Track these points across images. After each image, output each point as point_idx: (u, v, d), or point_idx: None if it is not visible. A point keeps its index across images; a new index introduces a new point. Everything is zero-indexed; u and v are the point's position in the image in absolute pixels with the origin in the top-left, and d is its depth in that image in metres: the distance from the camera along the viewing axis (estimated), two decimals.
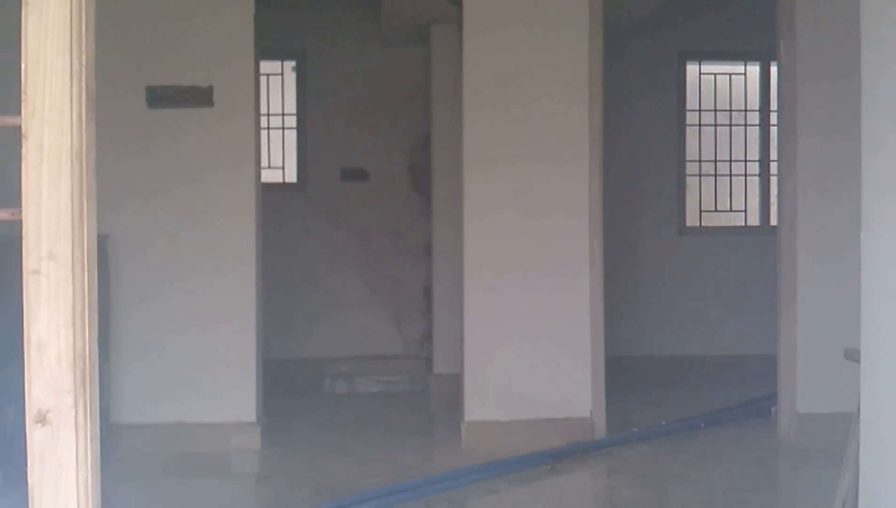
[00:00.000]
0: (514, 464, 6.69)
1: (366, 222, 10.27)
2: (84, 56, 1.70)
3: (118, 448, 6.87)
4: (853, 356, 4.92)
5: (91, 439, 1.70)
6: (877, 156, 3.43)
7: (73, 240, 1.68)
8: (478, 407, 7.29)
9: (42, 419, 1.67)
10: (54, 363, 1.67)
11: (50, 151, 1.68)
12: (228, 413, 7.18)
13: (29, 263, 1.67)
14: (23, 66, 1.68)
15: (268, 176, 9.37)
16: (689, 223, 10.50)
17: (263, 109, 9.02)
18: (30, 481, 1.68)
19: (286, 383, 9.07)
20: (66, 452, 1.67)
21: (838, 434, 7.03)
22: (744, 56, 10.50)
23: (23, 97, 1.69)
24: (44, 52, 1.68)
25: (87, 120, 1.71)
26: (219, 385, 7.16)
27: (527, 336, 7.29)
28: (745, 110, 10.62)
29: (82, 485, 1.68)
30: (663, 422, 7.77)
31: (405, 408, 8.90)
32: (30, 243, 1.67)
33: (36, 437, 1.67)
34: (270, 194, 8.70)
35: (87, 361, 1.69)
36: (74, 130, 1.69)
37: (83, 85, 1.70)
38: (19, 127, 1.70)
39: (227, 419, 7.17)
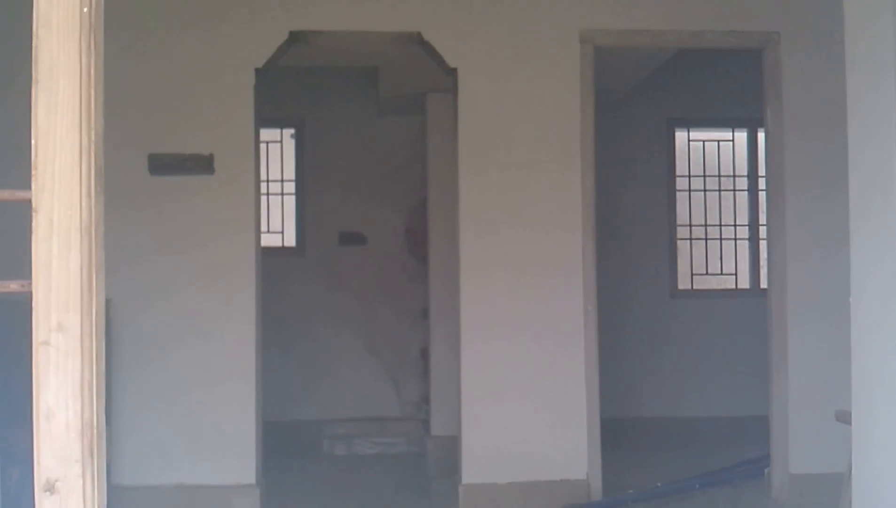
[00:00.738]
0: None
1: (364, 285, 10.28)
2: (93, 132, 1.72)
3: None
4: (844, 417, 4.92)
5: (98, 507, 1.70)
6: (863, 221, 3.45)
7: (81, 311, 1.68)
8: (475, 470, 7.26)
9: (51, 488, 1.66)
10: (62, 433, 1.67)
11: (59, 225, 1.69)
12: (228, 475, 7.13)
13: (38, 334, 1.68)
14: (33, 141, 1.69)
15: (268, 240, 9.39)
16: (680, 286, 10.52)
17: (263, 176, 9.05)
18: None
19: (285, 444, 9.04)
20: None
21: (830, 494, 7.03)
22: (731, 123, 10.58)
23: (33, 172, 1.71)
24: (54, 129, 1.70)
25: (95, 194, 1.72)
26: (219, 448, 7.12)
27: (523, 399, 7.28)
28: (734, 176, 10.68)
29: None
30: (658, 484, 7.74)
31: (403, 470, 8.87)
32: (39, 314, 1.68)
33: (45, 506, 1.67)
34: (270, 257, 8.71)
35: (95, 430, 1.69)
36: (83, 204, 1.70)
37: (92, 161, 1.71)
38: (30, 201, 1.71)
39: (227, 481, 7.12)
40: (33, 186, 1.71)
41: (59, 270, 1.69)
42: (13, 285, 1.75)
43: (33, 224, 1.70)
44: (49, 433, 1.67)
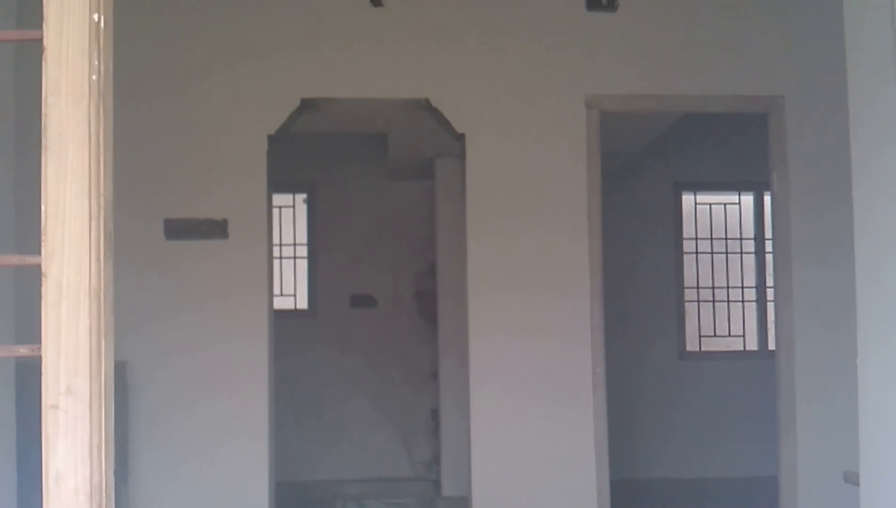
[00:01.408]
0: None
1: (374, 347, 10.28)
2: (102, 198, 1.71)
3: None
4: (853, 479, 4.86)
5: None
6: (871, 286, 3.43)
7: (90, 376, 1.67)
8: None
9: None
10: (71, 497, 1.65)
11: (69, 290, 1.68)
12: None
13: (48, 398, 1.66)
14: (43, 207, 1.69)
15: (280, 303, 9.40)
16: (688, 348, 10.49)
17: (276, 240, 9.08)
18: None
19: (299, 504, 8.98)
20: None
21: None
22: (737, 186, 10.60)
23: (42, 238, 1.70)
24: (63, 195, 1.70)
25: (104, 259, 1.71)
26: (232, 506, 7.08)
27: (533, 460, 7.22)
28: (741, 238, 10.67)
29: None
30: None
31: None
32: (48, 378, 1.67)
33: None
34: (282, 320, 8.73)
35: (104, 494, 1.67)
36: (93, 269, 1.69)
37: (101, 226, 1.71)
38: (39, 266, 1.70)
39: None
40: (43, 252, 1.70)
41: (67, 334, 1.67)
42: (23, 350, 1.74)
43: (43, 289, 1.69)
44: (58, 497, 1.65)
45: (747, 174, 10.19)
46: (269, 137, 7.27)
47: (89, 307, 1.68)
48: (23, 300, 5.73)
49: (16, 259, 1.75)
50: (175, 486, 7.04)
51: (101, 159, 1.73)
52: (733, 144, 10.20)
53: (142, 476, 6.98)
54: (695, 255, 10.58)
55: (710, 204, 10.64)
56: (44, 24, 1.72)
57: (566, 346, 7.28)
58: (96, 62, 1.73)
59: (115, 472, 5.48)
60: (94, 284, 1.69)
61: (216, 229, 7.17)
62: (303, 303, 10.47)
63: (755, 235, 10.63)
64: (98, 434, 1.67)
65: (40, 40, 1.72)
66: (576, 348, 7.28)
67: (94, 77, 1.72)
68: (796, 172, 7.43)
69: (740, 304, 10.66)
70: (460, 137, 7.43)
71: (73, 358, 1.67)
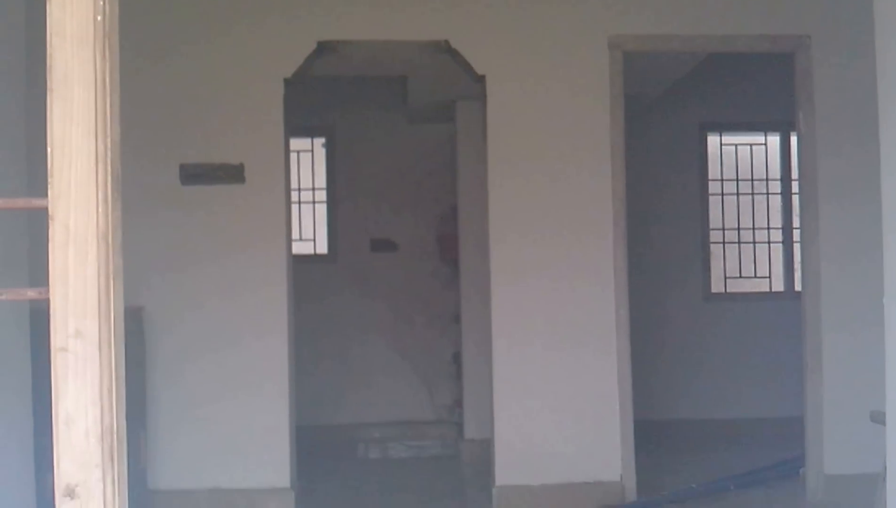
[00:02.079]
0: None
1: (395, 292, 10.30)
2: (109, 140, 1.72)
3: None
4: (879, 418, 4.87)
5: None
6: None
7: (99, 318, 1.68)
8: (508, 472, 7.24)
9: (70, 493, 1.67)
10: (82, 439, 1.67)
11: (76, 232, 1.69)
12: (263, 479, 7.15)
13: (56, 341, 1.68)
14: (49, 149, 1.70)
15: (299, 248, 9.43)
16: (714, 290, 10.47)
17: (294, 184, 9.10)
18: None
19: (320, 448, 9.06)
20: None
21: (865, 495, 6.98)
22: (763, 127, 10.52)
23: (49, 180, 1.71)
24: (69, 137, 1.70)
25: (112, 201, 1.72)
26: (253, 452, 7.15)
27: (556, 402, 7.26)
28: (767, 179, 10.61)
29: None
30: (693, 485, 7.68)
31: (437, 473, 8.85)
32: (57, 321, 1.68)
33: None
34: (302, 265, 8.75)
35: (115, 436, 1.69)
36: (100, 211, 1.70)
37: (108, 168, 1.71)
38: (46, 209, 1.71)
39: (262, 484, 7.14)
40: (49, 194, 1.71)
41: (76, 277, 1.69)
42: (31, 293, 1.75)
43: (50, 232, 1.70)
44: (68, 439, 1.67)
45: (773, 114, 10.12)
46: (286, 81, 7.25)
47: (97, 250, 1.69)
48: (36, 245, 5.76)
49: (21, 202, 1.76)
50: (195, 433, 7.11)
51: (108, 100, 1.73)
52: (759, 84, 10.12)
53: (160, 422, 7.05)
54: (720, 196, 10.53)
55: (736, 145, 10.57)
56: None
57: (589, 288, 7.29)
58: (101, 2, 1.73)
59: (134, 417, 5.52)
60: (101, 226, 1.70)
61: (233, 173, 7.18)
62: (322, 248, 10.48)
63: (781, 175, 10.56)
64: (108, 377, 1.68)
65: None
66: (599, 290, 7.29)
67: (98, 18, 1.72)
68: (823, 111, 7.38)
69: (766, 245, 10.62)
70: (481, 80, 7.39)
71: (81, 301, 1.68)
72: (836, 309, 7.33)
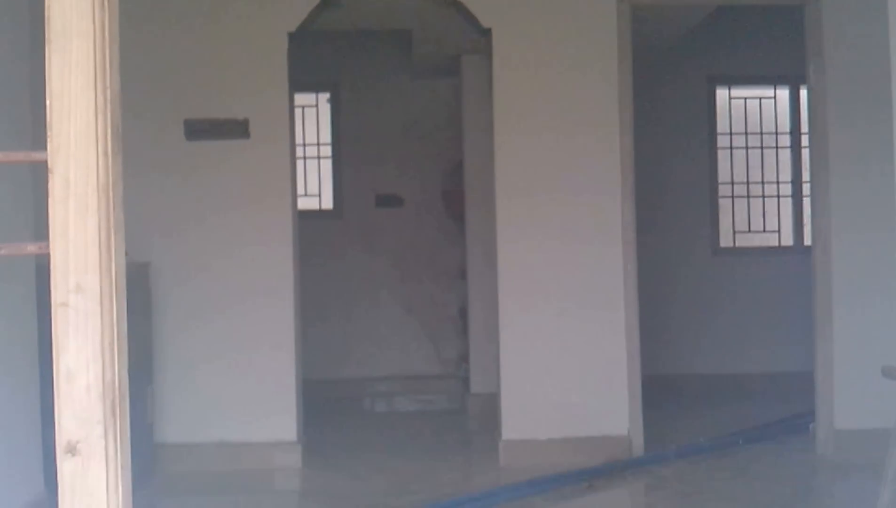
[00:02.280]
0: (551, 482, 6.63)
1: (401, 247, 10.29)
2: (109, 91, 1.69)
3: (162, 466, 6.94)
4: (891, 373, 4.86)
5: (122, 469, 1.68)
6: None
7: (100, 272, 1.66)
8: (515, 426, 7.25)
9: (72, 450, 1.65)
10: (83, 395, 1.66)
11: (76, 186, 1.67)
12: (270, 433, 7.19)
13: (57, 295, 1.66)
14: (47, 102, 1.67)
15: (305, 203, 9.42)
16: (722, 244, 10.43)
17: (299, 140, 9.06)
18: None
19: (327, 402, 9.08)
20: (96, 483, 1.66)
21: (876, 450, 6.95)
22: (773, 80, 10.44)
23: (48, 133, 1.69)
24: (68, 89, 1.68)
25: (113, 154, 1.70)
26: (260, 406, 7.18)
27: (562, 356, 7.25)
28: (776, 133, 10.54)
29: None
30: (701, 439, 7.68)
31: (443, 427, 8.87)
32: (57, 275, 1.67)
33: (66, 468, 1.66)
34: (308, 220, 8.75)
35: (117, 392, 1.68)
36: (100, 164, 1.68)
37: (108, 120, 1.69)
38: (46, 162, 1.69)
39: (269, 438, 7.18)
40: (49, 147, 1.69)
41: (76, 231, 1.67)
42: (31, 247, 1.74)
43: (49, 185, 1.68)
44: (70, 395, 1.66)
45: (783, 68, 10.05)
46: (290, 35, 7.21)
47: (97, 203, 1.67)
48: (42, 201, 5.75)
49: (21, 155, 1.75)
50: (202, 387, 7.13)
51: (107, 52, 1.71)
52: (768, 37, 10.04)
53: (167, 376, 7.07)
54: (729, 150, 10.48)
55: (745, 98, 10.51)
56: None
57: (597, 243, 7.27)
58: None
59: (140, 372, 5.55)
60: (101, 179, 1.68)
61: (237, 128, 7.15)
62: (328, 203, 10.45)
63: (791, 129, 10.50)
64: (110, 332, 1.67)
65: None
66: (606, 244, 7.26)
67: None
68: (833, 64, 7.30)
69: (775, 199, 10.57)
70: (486, 33, 7.34)
71: (81, 255, 1.67)
72: (847, 264, 7.29)
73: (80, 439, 1.65)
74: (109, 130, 1.69)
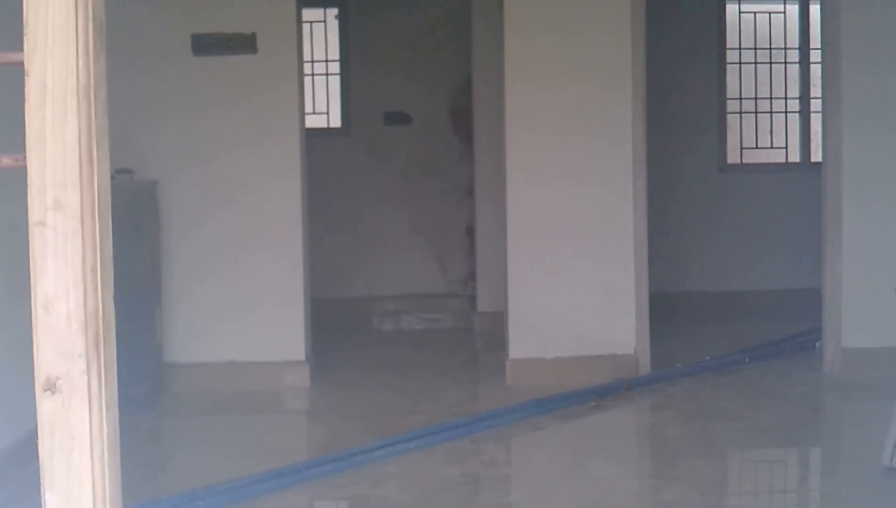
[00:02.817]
0: (558, 401, 6.47)
1: (409, 165, 10.05)
2: None
3: (170, 386, 6.79)
4: None
5: (107, 408, 1.47)
6: None
7: (81, 188, 1.44)
8: (521, 345, 7.08)
9: (52, 387, 1.44)
10: (63, 325, 1.44)
11: (54, 89, 1.44)
12: (278, 353, 7.05)
13: (34, 214, 1.44)
14: None
15: (313, 121, 9.16)
16: (729, 160, 10.17)
17: (307, 56, 8.80)
18: (40, 453, 1.45)
19: (335, 320, 8.92)
20: (78, 423, 1.44)
21: (883, 369, 6.83)
22: None
23: (24, 30, 1.45)
24: None
25: (95, 53, 1.46)
26: (268, 326, 7.02)
27: (570, 275, 7.07)
28: (785, 48, 10.24)
29: (97, 459, 1.45)
30: (707, 357, 7.50)
31: (450, 346, 8.70)
32: (34, 192, 1.44)
33: (45, 406, 1.44)
34: (315, 137, 8.52)
35: (101, 322, 1.46)
36: (81, 64, 1.44)
37: (90, 13, 1.45)
38: (22, 64, 1.46)
39: (277, 358, 7.04)
40: (25, 46, 1.45)
41: (54, 140, 1.44)
42: (6, 160, 1.50)
43: (25, 90, 1.45)
44: (48, 326, 1.44)
45: None
46: None
47: (77, 109, 1.44)
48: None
49: None
50: (209, 307, 6.98)
51: None
52: None
53: (175, 296, 6.90)
54: (738, 65, 10.18)
55: (755, 13, 10.19)
56: None
57: (606, 158, 7.06)
58: None
59: (148, 291, 5.30)
60: (82, 81, 1.44)
61: (245, 43, 6.91)
62: (336, 121, 10.20)
63: (800, 44, 10.19)
64: (92, 254, 1.44)
65: None
66: (616, 160, 7.05)
67: None
68: None
69: (783, 115, 10.30)
70: None
71: (60, 168, 1.44)
72: (858, 180, 7.07)
73: (61, 374, 1.44)
74: (91, 26, 1.45)
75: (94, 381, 1.44)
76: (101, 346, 1.45)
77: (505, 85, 7.08)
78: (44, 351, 1.43)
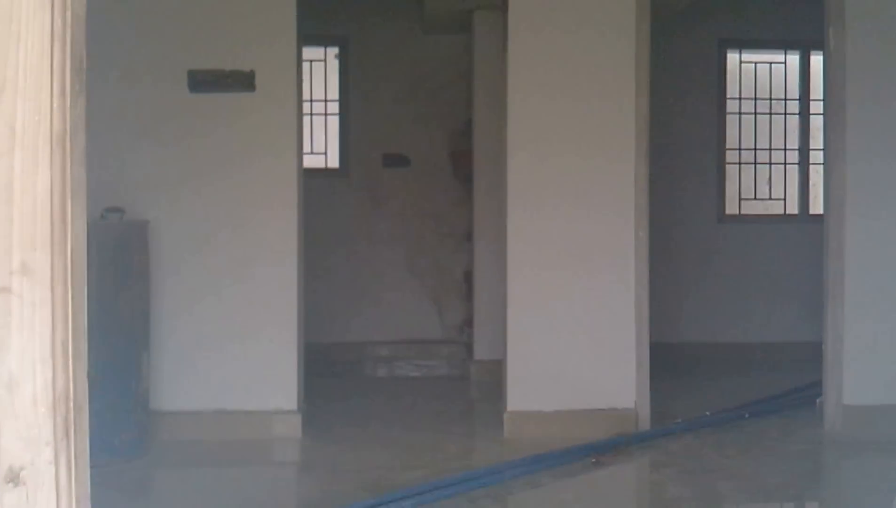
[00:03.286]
0: (557, 458, 6.22)
1: (407, 208, 9.89)
2: (69, 12, 1.25)
3: (157, 434, 6.53)
4: None
5: (77, 502, 1.25)
6: None
7: (52, 249, 1.22)
8: (520, 397, 6.86)
9: (14, 479, 1.22)
10: (29, 408, 1.22)
11: (24, 135, 1.23)
12: (269, 401, 6.79)
13: None
14: None
15: (310, 161, 9.00)
16: (728, 211, 10.02)
17: (306, 95, 8.66)
18: None
19: (327, 365, 8.72)
20: None
21: (886, 427, 6.63)
22: (783, 45, 10.01)
23: None
24: (17, 8, 1.23)
25: (72, 95, 1.25)
26: (260, 373, 6.77)
27: (571, 325, 6.86)
28: (785, 99, 10.11)
29: None
30: (707, 413, 7.28)
31: (446, 394, 8.46)
32: None
33: (7, 501, 1.22)
34: (313, 179, 8.36)
35: (72, 405, 1.24)
36: (55, 106, 1.23)
37: (68, 49, 1.24)
38: None
39: (268, 406, 6.78)
40: None
41: (23, 193, 1.23)
42: None
43: None
44: (12, 409, 1.22)
45: (794, 33, 9.67)
46: None
47: (51, 158, 1.23)
48: None
49: None
50: (199, 352, 6.75)
51: None
52: (780, 2, 9.63)
53: (164, 341, 6.66)
54: (738, 115, 10.04)
55: (756, 63, 10.05)
56: None
57: (609, 208, 6.87)
58: None
59: (136, 336, 5.00)
60: (57, 127, 1.23)
61: (243, 80, 6.73)
62: (334, 162, 10.03)
63: (800, 95, 10.06)
64: (63, 327, 1.23)
65: None
66: (618, 210, 6.87)
67: None
68: (854, 28, 6.87)
69: (782, 166, 10.15)
70: None
71: (29, 225, 1.22)
72: (861, 234, 6.90)
73: (25, 465, 1.22)
74: (69, 63, 1.24)
75: (63, 473, 1.23)
76: (72, 432, 1.24)
77: (507, 144, 6.90)
78: (6, 437, 1.22)
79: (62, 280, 1.23)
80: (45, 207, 1.22)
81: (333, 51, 9.98)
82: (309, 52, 8.60)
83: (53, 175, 1.22)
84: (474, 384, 8.62)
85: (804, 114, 10.04)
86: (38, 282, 1.22)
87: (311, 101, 9.64)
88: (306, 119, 8.64)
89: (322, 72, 9.95)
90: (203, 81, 6.71)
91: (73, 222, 1.25)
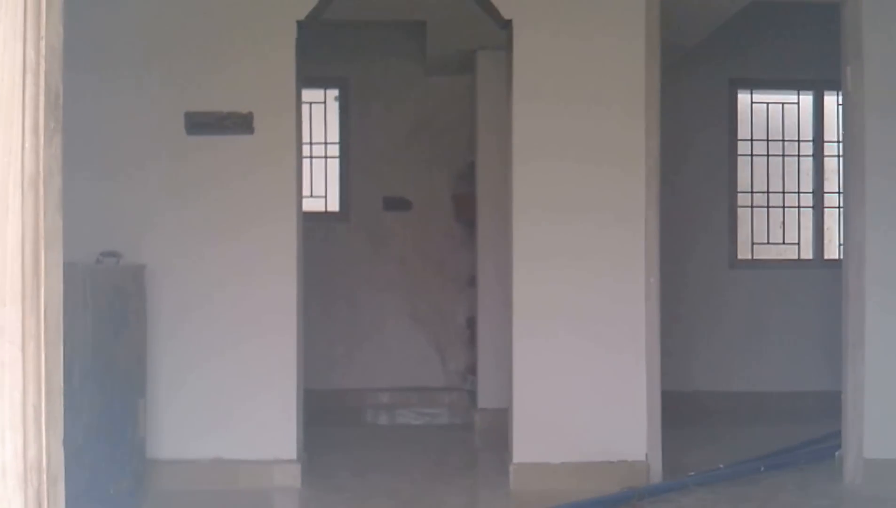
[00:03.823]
0: None
1: (408, 252, 9.84)
2: (43, 43, 1.15)
3: (154, 484, 6.47)
4: None
5: None
6: None
7: (23, 305, 1.12)
8: (527, 448, 6.74)
9: None
10: None
11: None
12: (268, 450, 6.72)
13: None
14: None
15: (310, 205, 8.96)
16: (740, 256, 9.94)
17: (306, 138, 8.63)
18: None
19: (327, 413, 8.63)
20: None
21: None
22: (796, 85, 9.96)
23: None
24: None
25: (46, 133, 1.16)
26: (259, 421, 6.70)
27: (579, 374, 6.75)
28: (798, 140, 10.03)
29: None
30: (721, 465, 7.14)
31: (449, 443, 8.37)
32: None
33: None
34: (313, 222, 8.31)
35: (45, 476, 1.14)
36: (27, 145, 1.14)
37: (41, 82, 1.15)
38: None
39: (267, 455, 6.71)
40: None
41: None
42: None
43: None
44: None
45: (807, 73, 9.63)
46: (299, 24, 6.78)
47: (22, 204, 1.13)
48: None
49: None
50: (196, 400, 6.70)
51: None
52: (793, 41, 9.60)
53: (161, 388, 6.60)
54: (749, 157, 9.97)
55: (768, 103, 9.99)
56: None
57: (619, 253, 6.79)
58: None
59: (133, 384, 4.88)
60: (29, 169, 1.14)
61: (241, 123, 6.69)
62: (334, 205, 9.98)
63: (814, 137, 9.99)
64: (36, 390, 1.12)
65: None
66: (629, 258, 6.78)
67: None
68: (872, 68, 6.80)
69: (796, 210, 10.06)
70: (507, 25, 6.85)
71: None
72: (881, 282, 6.80)
73: None
74: (42, 99, 1.15)
75: None
76: (45, 506, 1.14)
77: (512, 190, 6.82)
78: None
79: (34, 338, 1.13)
80: (16, 258, 1.12)
81: (333, 92, 9.96)
82: (308, 94, 8.57)
83: (25, 223, 1.13)
84: (478, 433, 8.50)
85: (818, 156, 9.97)
86: (7, 341, 1.12)
87: (311, 143, 9.61)
88: (306, 162, 8.60)
89: (322, 114, 9.91)
90: (200, 124, 6.67)
91: (48, 275, 1.15)
